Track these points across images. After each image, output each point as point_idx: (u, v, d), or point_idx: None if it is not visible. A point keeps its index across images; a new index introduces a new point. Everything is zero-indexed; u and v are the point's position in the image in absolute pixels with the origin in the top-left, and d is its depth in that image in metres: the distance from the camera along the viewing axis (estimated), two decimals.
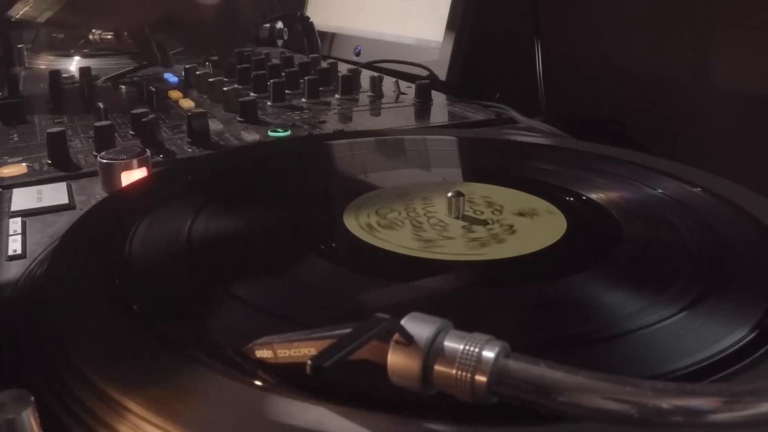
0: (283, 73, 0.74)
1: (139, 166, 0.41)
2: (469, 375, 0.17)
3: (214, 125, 0.57)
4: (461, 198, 0.34)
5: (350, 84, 0.71)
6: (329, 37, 1.03)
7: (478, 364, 0.17)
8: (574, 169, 0.41)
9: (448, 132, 0.55)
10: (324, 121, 0.60)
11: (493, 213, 0.35)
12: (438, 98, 0.69)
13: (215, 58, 0.81)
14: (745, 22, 0.65)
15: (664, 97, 0.74)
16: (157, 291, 0.26)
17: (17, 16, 0.65)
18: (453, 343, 0.18)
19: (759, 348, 0.22)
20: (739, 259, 0.29)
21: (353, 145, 0.48)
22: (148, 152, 0.42)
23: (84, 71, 0.76)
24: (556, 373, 0.17)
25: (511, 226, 0.33)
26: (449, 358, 0.18)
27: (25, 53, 0.94)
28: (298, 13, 1.01)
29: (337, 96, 0.71)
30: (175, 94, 0.69)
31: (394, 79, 0.72)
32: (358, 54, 0.95)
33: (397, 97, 0.69)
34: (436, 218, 0.34)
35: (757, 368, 0.21)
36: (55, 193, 0.42)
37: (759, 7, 0.63)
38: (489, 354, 0.17)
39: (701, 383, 0.16)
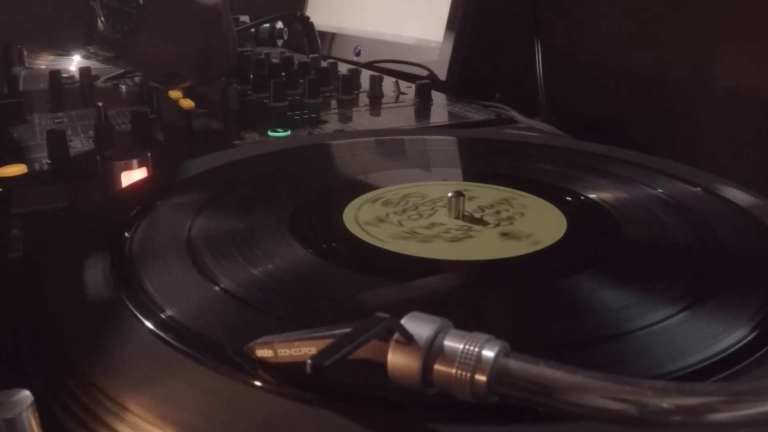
0: (283, 73, 0.74)
1: (139, 166, 0.41)
2: (468, 374, 0.17)
3: (214, 125, 0.57)
4: (461, 198, 0.34)
5: (350, 84, 0.71)
6: (329, 37, 1.03)
7: (477, 363, 0.17)
8: (574, 169, 0.41)
9: (448, 132, 0.55)
10: (324, 121, 0.60)
11: (493, 213, 0.35)
12: (438, 98, 0.69)
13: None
14: (745, 22, 0.65)
15: (664, 97, 0.74)
16: (157, 291, 0.26)
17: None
18: (453, 343, 0.18)
19: (759, 348, 0.22)
20: (739, 259, 0.29)
21: (353, 145, 0.48)
22: (148, 152, 0.42)
23: (84, 71, 0.76)
24: (555, 373, 0.17)
25: (510, 226, 0.33)
26: (449, 358, 0.18)
27: (25, 53, 0.94)
28: (298, 13, 1.01)
29: (337, 96, 0.71)
30: (175, 94, 0.69)
31: (394, 79, 0.72)
32: (358, 54, 0.95)
33: (397, 97, 0.69)
34: (436, 218, 0.34)
35: (757, 368, 0.21)
36: (55, 194, 0.42)
37: (759, 7, 0.63)
38: (489, 353, 0.17)
39: (701, 383, 0.16)
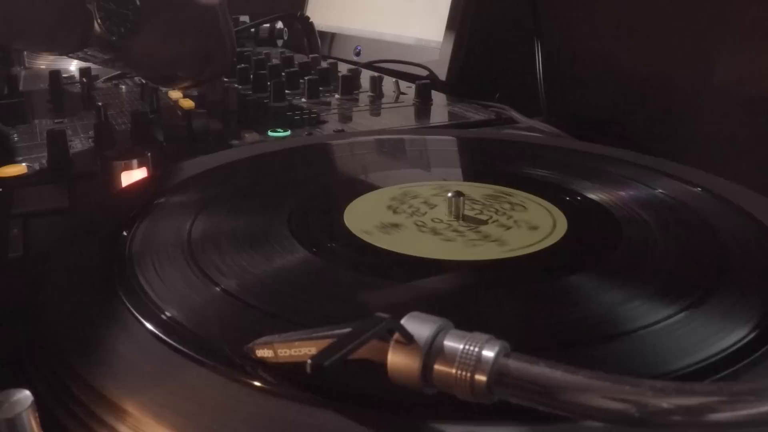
0: (283, 73, 0.74)
1: (139, 166, 0.41)
2: (468, 374, 0.17)
3: (214, 125, 0.57)
4: (461, 198, 0.34)
5: (350, 84, 0.71)
6: (329, 37, 1.03)
7: (477, 363, 0.17)
8: (574, 169, 0.41)
9: (448, 132, 0.55)
10: (324, 121, 0.60)
11: (493, 213, 0.35)
12: (438, 98, 0.69)
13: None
14: (745, 22, 0.65)
15: (664, 97, 0.74)
16: (157, 291, 0.26)
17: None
18: (453, 343, 0.18)
19: (759, 348, 0.22)
20: (739, 259, 0.29)
21: (353, 145, 0.48)
22: (148, 152, 0.42)
23: (84, 71, 0.76)
24: (555, 373, 0.17)
25: (510, 226, 0.33)
26: (449, 358, 0.18)
27: (25, 53, 0.94)
28: (298, 13, 1.01)
29: (337, 96, 0.71)
30: (175, 94, 0.69)
31: (394, 79, 0.72)
32: (358, 54, 0.95)
33: (397, 97, 0.69)
34: (436, 218, 0.34)
35: (757, 368, 0.21)
36: (54, 194, 0.42)
37: (759, 7, 0.63)
38: (489, 353, 0.17)
39: (701, 383, 0.16)
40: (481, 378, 0.17)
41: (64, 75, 0.78)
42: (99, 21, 0.52)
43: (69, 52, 0.55)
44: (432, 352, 0.18)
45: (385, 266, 0.30)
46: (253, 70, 0.75)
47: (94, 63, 0.61)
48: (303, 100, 0.69)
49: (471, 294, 0.28)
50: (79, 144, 0.53)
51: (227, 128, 0.57)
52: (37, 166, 0.48)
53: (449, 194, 0.34)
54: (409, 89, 0.71)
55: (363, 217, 0.34)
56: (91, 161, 0.48)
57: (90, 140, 0.54)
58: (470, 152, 0.49)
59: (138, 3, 0.54)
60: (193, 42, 0.60)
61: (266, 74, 0.74)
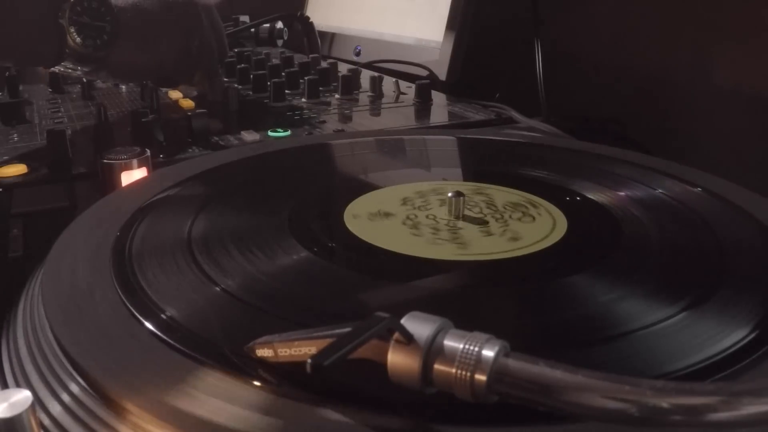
0: (283, 73, 0.74)
1: (139, 166, 0.41)
2: (468, 374, 0.17)
3: (214, 125, 0.57)
4: (461, 198, 0.34)
5: (350, 84, 0.71)
6: (329, 37, 1.03)
7: (477, 363, 0.17)
8: (574, 169, 0.41)
9: (448, 132, 0.55)
10: (324, 121, 0.60)
11: (493, 213, 0.35)
12: (438, 98, 0.69)
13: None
14: (745, 22, 0.65)
15: (664, 97, 0.74)
16: (157, 291, 0.26)
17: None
18: (453, 342, 0.18)
19: (759, 348, 0.22)
20: (739, 259, 0.29)
21: (353, 145, 0.48)
22: (148, 152, 0.42)
23: None
24: (555, 372, 0.17)
25: (511, 226, 0.33)
26: (449, 357, 0.18)
27: None
28: (298, 13, 1.01)
29: (337, 96, 0.71)
30: (175, 94, 0.69)
31: (394, 79, 0.72)
32: (358, 54, 0.95)
33: (397, 97, 0.69)
34: (436, 218, 0.34)
35: (757, 368, 0.21)
36: (54, 194, 0.42)
37: (759, 7, 0.63)
38: (489, 353, 0.17)
39: (701, 383, 0.16)
40: (480, 378, 0.17)
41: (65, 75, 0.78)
42: (74, 34, 0.52)
43: (47, 66, 0.55)
44: (432, 351, 0.18)
45: (385, 266, 0.30)
46: (253, 70, 0.75)
47: (77, 74, 0.61)
48: (303, 100, 0.69)
49: (471, 294, 0.28)
50: (79, 144, 0.53)
51: (227, 128, 0.57)
52: (37, 166, 0.48)
53: (449, 194, 0.34)
54: (409, 89, 0.71)
55: (363, 217, 0.34)
56: (91, 161, 0.48)
57: (90, 140, 0.54)
58: (470, 152, 0.49)
59: (116, 13, 0.53)
60: (175, 45, 0.60)
61: (266, 74, 0.74)
